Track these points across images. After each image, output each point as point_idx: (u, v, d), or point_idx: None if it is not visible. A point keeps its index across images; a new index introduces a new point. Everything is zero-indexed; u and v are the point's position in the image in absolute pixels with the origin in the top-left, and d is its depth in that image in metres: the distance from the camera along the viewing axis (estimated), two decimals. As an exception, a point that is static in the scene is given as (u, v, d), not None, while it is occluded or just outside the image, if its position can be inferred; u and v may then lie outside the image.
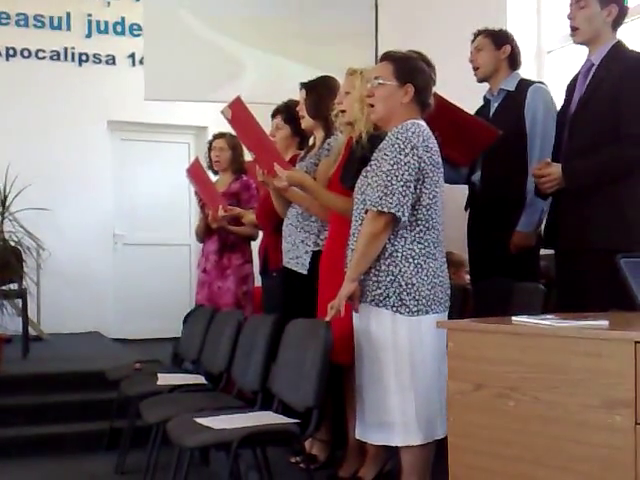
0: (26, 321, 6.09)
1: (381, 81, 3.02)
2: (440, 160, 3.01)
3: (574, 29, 3.18)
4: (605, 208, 3.03)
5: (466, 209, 3.92)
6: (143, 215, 8.26)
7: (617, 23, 3.16)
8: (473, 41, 3.87)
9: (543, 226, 3.52)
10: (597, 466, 1.85)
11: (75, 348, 6.78)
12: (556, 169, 3.11)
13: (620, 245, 2.83)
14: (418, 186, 2.91)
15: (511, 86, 3.77)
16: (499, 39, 3.81)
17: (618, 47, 3.13)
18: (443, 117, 3.37)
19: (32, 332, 6.50)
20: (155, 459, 3.79)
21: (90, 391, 5.15)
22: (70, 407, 5.03)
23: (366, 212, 2.98)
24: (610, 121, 3.01)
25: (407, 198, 2.87)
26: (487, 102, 3.90)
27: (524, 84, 3.74)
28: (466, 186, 3.95)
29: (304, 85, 3.89)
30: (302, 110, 3.87)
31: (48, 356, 6.23)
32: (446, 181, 3.71)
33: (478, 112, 3.90)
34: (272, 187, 3.75)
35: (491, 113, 3.81)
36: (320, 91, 3.78)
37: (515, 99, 3.70)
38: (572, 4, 3.18)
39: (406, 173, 2.87)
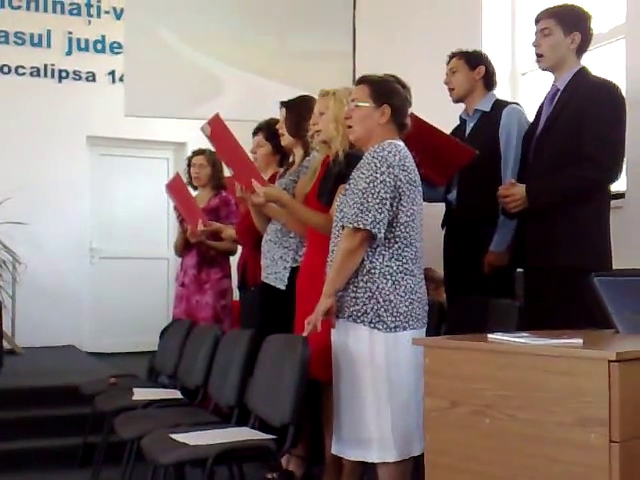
0: (0, 335, 6.02)
1: (358, 103, 3.08)
2: (418, 179, 3.06)
3: (539, 56, 3.27)
4: (568, 227, 3.10)
5: (443, 227, 3.95)
6: (121, 229, 8.23)
7: (581, 50, 3.25)
8: (448, 63, 3.92)
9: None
10: (572, 484, 1.87)
11: (50, 362, 6.70)
12: (520, 189, 3.19)
13: (583, 264, 2.92)
14: (395, 204, 2.95)
15: (486, 107, 3.82)
16: (473, 60, 3.87)
17: (582, 73, 3.22)
18: (419, 137, 3.42)
19: (7, 346, 6.43)
20: (129, 476, 3.75)
21: (64, 406, 5.07)
22: (43, 422, 4.96)
23: (343, 229, 3.00)
24: (572, 144, 3.09)
25: (383, 215, 2.91)
26: (463, 122, 3.95)
27: (499, 105, 3.79)
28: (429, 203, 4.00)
29: (284, 104, 3.95)
30: (282, 128, 3.93)
31: (22, 370, 6.15)
32: (424, 200, 3.77)
33: (454, 132, 3.94)
34: (250, 203, 3.78)
35: (466, 133, 3.86)
36: (300, 110, 3.82)
37: (490, 120, 3.75)
38: (537, 32, 3.27)
39: (382, 191, 2.91)
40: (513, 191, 3.21)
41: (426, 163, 3.59)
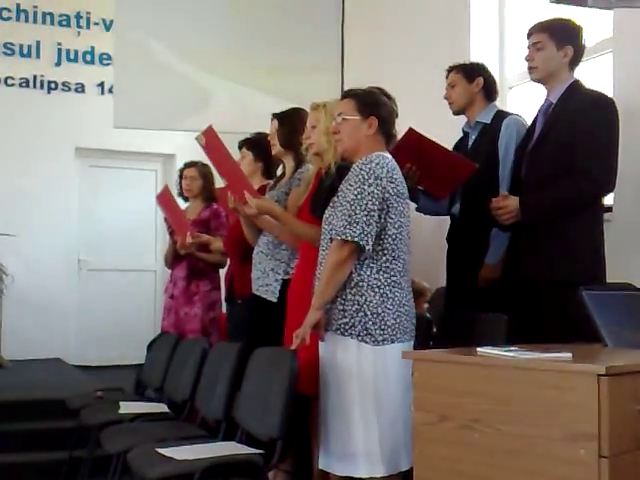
0: (-13, 347, 6.00)
1: (345, 117, 3.10)
2: (406, 191, 3.06)
3: (532, 67, 3.28)
4: (554, 241, 3.10)
5: (447, 240, 3.95)
6: (109, 241, 8.20)
7: (574, 63, 3.26)
8: (447, 77, 3.91)
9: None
10: (560, 499, 1.86)
11: (36, 375, 6.66)
12: (513, 202, 3.19)
13: (568, 277, 2.93)
14: (382, 216, 2.95)
15: (487, 118, 3.81)
16: (471, 72, 3.86)
17: (575, 86, 3.22)
18: (420, 152, 3.44)
19: (-8, 359, 6.41)
20: (115, 490, 3.73)
21: (50, 419, 5.04)
22: (29, 436, 4.92)
23: (331, 241, 3.00)
24: (566, 157, 3.09)
25: (371, 227, 2.91)
26: (465, 134, 3.94)
27: (500, 116, 3.78)
28: (436, 216, 4.00)
29: (277, 116, 3.96)
30: (274, 139, 3.93)
31: (8, 383, 6.10)
32: (429, 213, 3.79)
33: (457, 144, 3.95)
34: (243, 214, 3.77)
35: (469, 145, 3.86)
36: (293, 122, 3.83)
37: (491, 131, 3.74)
38: (529, 46, 3.28)
39: (370, 203, 2.91)
40: (506, 203, 3.21)
41: (428, 177, 3.59)
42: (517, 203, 3.17)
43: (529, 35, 3.30)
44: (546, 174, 3.14)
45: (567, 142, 3.09)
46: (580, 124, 3.08)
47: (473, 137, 3.86)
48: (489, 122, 3.80)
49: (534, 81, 3.35)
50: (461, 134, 3.96)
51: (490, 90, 3.88)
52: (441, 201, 3.88)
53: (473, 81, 3.84)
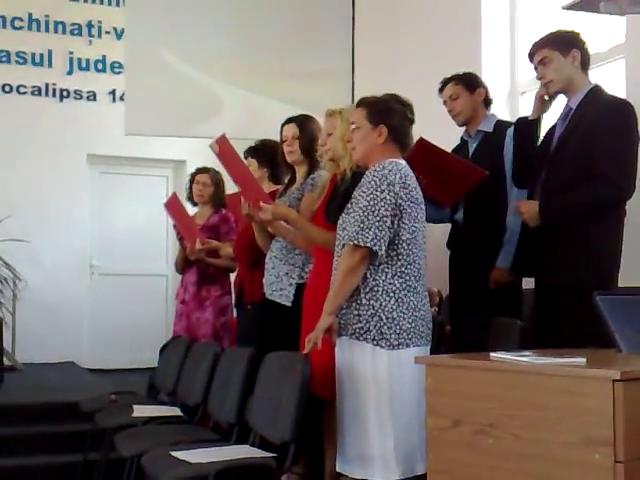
0: (1, 351, 6.03)
1: (355, 126, 3.13)
2: (420, 197, 3.06)
3: (546, 83, 3.26)
4: (574, 245, 3.09)
5: (448, 247, 3.96)
6: (120, 246, 8.24)
7: (585, 65, 3.24)
8: (441, 90, 3.91)
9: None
10: (576, 504, 1.87)
11: (50, 378, 6.70)
12: (534, 206, 3.19)
13: (589, 282, 2.91)
14: (396, 221, 2.96)
15: (488, 127, 3.83)
16: (471, 84, 3.87)
17: (595, 91, 3.20)
18: (428, 160, 3.44)
19: (7, 362, 6.43)
20: (129, 493, 3.75)
21: (64, 423, 5.07)
22: (43, 439, 4.95)
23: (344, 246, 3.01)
24: (585, 162, 3.08)
25: (384, 232, 2.92)
26: (464, 143, 3.95)
27: (502, 126, 3.80)
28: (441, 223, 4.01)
29: (296, 120, 3.93)
30: (293, 145, 3.88)
31: (22, 386, 6.15)
32: (431, 220, 3.78)
33: (455, 152, 3.95)
34: (257, 219, 3.77)
35: (470, 154, 3.87)
36: (312, 127, 3.86)
37: (493, 140, 3.76)
38: (537, 65, 3.26)
39: (382, 208, 2.93)
40: (526, 208, 3.21)
41: (434, 185, 3.60)
42: (537, 207, 3.17)
43: (531, 57, 3.28)
44: (567, 179, 3.12)
45: (587, 147, 3.08)
46: (599, 129, 3.07)
47: (474, 145, 3.87)
48: (491, 130, 3.81)
49: (554, 95, 3.30)
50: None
51: (488, 99, 3.91)
52: (444, 209, 3.89)
53: (474, 91, 3.85)
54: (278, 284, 3.78)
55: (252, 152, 4.51)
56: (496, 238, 3.65)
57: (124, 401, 4.52)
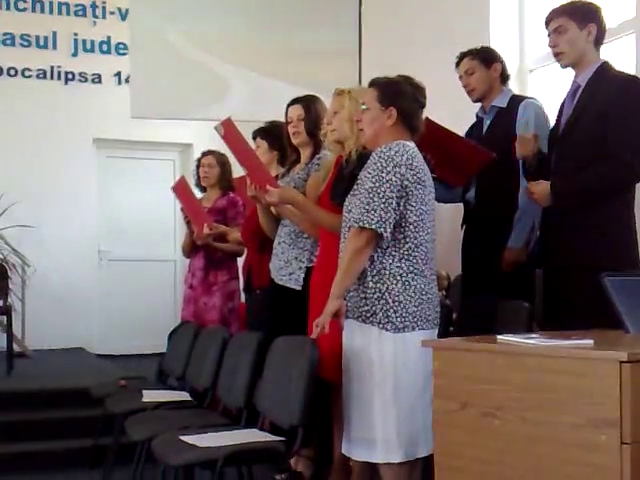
0: (10, 338, 6.06)
1: (365, 106, 3.10)
2: (427, 179, 3.03)
3: (558, 54, 3.20)
4: (589, 226, 3.06)
5: (462, 227, 3.93)
6: (128, 231, 8.24)
7: (598, 41, 3.18)
8: (458, 64, 3.87)
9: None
10: (583, 485, 1.86)
11: (59, 364, 6.74)
12: (544, 186, 3.14)
13: (605, 263, 2.87)
14: (402, 203, 2.93)
15: (502, 103, 3.78)
16: (487, 58, 3.82)
17: (604, 68, 3.15)
18: (435, 141, 3.41)
19: (16, 348, 6.46)
20: (140, 477, 3.75)
21: (74, 408, 5.10)
22: (54, 424, 4.99)
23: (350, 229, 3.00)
24: (597, 142, 3.03)
25: (389, 215, 2.89)
26: (480, 120, 3.91)
27: (516, 100, 3.75)
28: (454, 204, 3.98)
29: (301, 101, 3.88)
30: (299, 126, 3.85)
31: (32, 373, 6.19)
32: (442, 200, 3.75)
33: (470, 130, 3.92)
34: (263, 202, 3.75)
35: (484, 130, 3.83)
36: (318, 108, 3.81)
37: (506, 116, 3.71)
38: (550, 33, 3.20)
39: (388, 190, 2.90)
40: (538, 188, 3.17)
41: (442, 166, 3.57)
42: (548, 188, 3.13)
43: (548, 22, 3.21)
44: (577, 160, 3.08)
45: (598, 127, 3.03)
46: (610, 108, 3.01)
47: (488, 122, 3.83)
48: (505, 106, 3.76)
49: (564, 67, 3.25)
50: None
51: (505, 75, 3.86)
52: (455, 189, 3.86)
53: (491, 66, 3.80)
54: (287, 268, 3.76)
55: (262, 133, 4.46)
56: (507, 217, 3.61)
57: (133, 386, 4.54)
